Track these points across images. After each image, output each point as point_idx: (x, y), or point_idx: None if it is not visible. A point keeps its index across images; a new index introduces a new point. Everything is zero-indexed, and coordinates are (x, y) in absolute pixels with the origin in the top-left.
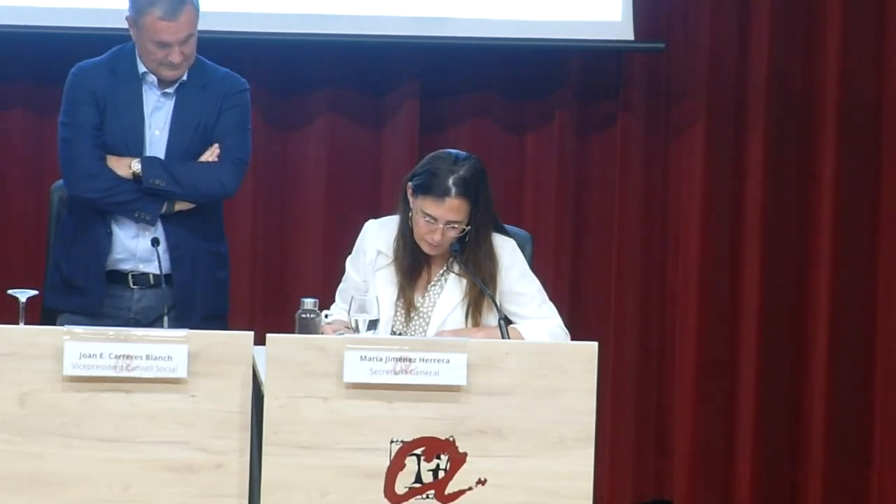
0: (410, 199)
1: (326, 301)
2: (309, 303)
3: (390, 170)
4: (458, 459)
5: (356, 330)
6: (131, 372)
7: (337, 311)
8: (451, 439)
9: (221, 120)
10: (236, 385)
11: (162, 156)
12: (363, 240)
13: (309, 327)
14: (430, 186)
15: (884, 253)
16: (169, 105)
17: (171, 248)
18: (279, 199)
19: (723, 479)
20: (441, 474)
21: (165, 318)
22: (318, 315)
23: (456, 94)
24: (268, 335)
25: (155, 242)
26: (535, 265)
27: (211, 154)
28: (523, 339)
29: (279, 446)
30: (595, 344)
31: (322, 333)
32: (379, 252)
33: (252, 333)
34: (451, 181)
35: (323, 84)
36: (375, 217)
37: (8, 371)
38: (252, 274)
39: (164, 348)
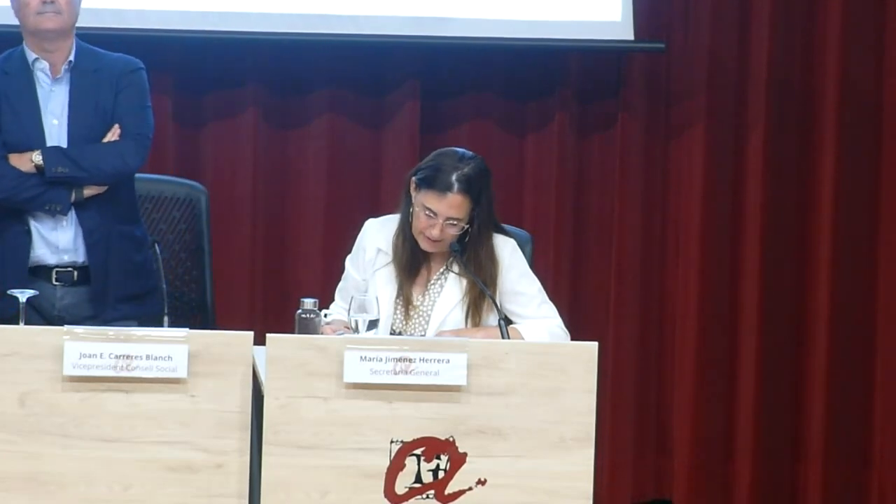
0: (413, 193)
1: (326, 301)
2: (309, 303)
3: (390, 170)
4: (458, 459)
5: (356, 330)
6: (131, 372)
7: (336, 310)
8: (451, 439)
9: (119, 100)
10: (236, 385)
11: (64, 144)
12: (363, 238)
13: (309, 327)
14: (434, 181)
15: (884, 253)
16: (62, 92)
17: (86, 234)
18: (279, 199)
19: (723, 479)
20: (441, 474)
21: (166, 318)
22: (318, 315)
23: (456, 94)
24: (268, 335)
25: (154, 243)
26: (535, 265)
27: (112, 134)
28: (523, 339)
29: (279, 446)
30: (595, 344)
31: (322, 334)
32: (379, 250)
33: (252, 333)
34: (454, 177)
35: (323, 84)
36: (375, 217)
37: (8, 371)
38: (252, 274)
39: (165, 348)
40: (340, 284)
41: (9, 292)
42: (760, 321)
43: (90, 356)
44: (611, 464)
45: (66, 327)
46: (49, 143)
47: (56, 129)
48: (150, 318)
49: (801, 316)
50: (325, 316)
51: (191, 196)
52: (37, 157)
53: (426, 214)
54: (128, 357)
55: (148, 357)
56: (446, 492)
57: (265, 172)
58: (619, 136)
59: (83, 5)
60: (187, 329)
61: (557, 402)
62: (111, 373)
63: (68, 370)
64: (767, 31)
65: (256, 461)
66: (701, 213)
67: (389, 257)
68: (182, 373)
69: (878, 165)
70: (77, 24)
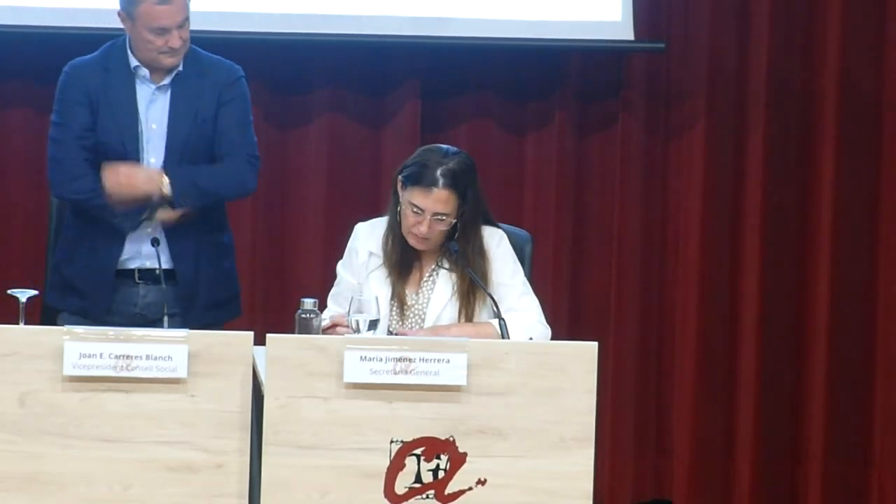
0: (400, 192)
1: (326, 301)
2: (309, 303)
3: (390, 170)
4: (457, 459)
5: (356, 330)
6: (131, 372)
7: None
8: (451, 439)
9: (223, 114)
10: (236, 385)
11: (161, 149)
12: (354, 242)
13: (309, 327)
14: (419, 177)
15: (884, 253)
16: (164, 98)
17: (172, 244)
18: (279, 199)
19: (723, 479)
20: (441, 474)
21: (166, 318)
22: (317, 315)
23: (456, 94)
24: (268, 335)
25: (155, 242)
26: (535, 265)
27: None
28: (499, 334)
29: (279, 446)
30: (595, 344)
31: (323, 327)
32: (371, 253)
33: (252, 333)
34: (439, 172)
35: (323, 84)
36: (365, 220)
37: (8, 371)
38: (252, 274)
39: (164, 348)
40: (333, 290)
41: (9, 292)
42: (760, 321)
43: (90, 356)
44: (611, 464)
45: (66, 327)
46: (145, 148)
47: (154, 134)
48: (229, 323)
49: (801, 316)
50: (324, 321)
51: None
52: (166, 187)
53: (413, 211)
54: (128, 357)
55: (148, 357)
56: (446, 492)
57: (265, 172)
58: (619, 136)
59: (85, 5)
60: (187, 329)
61: (557, 402)
62: (111, 373)
63: (68, 370)
64: (767, 31)
65: (256, 461)
66: (701, 213)
67: (381, 259)
68: (182, 373)
69: (878, 165)
70: (82, 26)
